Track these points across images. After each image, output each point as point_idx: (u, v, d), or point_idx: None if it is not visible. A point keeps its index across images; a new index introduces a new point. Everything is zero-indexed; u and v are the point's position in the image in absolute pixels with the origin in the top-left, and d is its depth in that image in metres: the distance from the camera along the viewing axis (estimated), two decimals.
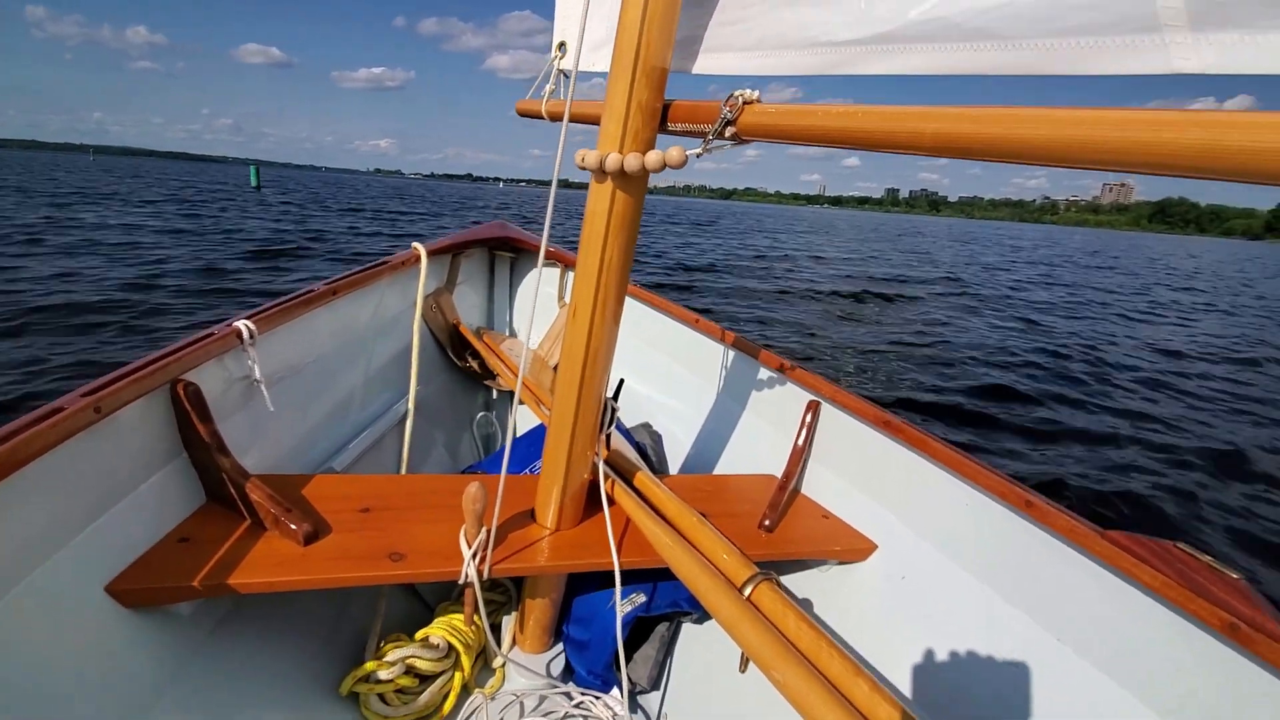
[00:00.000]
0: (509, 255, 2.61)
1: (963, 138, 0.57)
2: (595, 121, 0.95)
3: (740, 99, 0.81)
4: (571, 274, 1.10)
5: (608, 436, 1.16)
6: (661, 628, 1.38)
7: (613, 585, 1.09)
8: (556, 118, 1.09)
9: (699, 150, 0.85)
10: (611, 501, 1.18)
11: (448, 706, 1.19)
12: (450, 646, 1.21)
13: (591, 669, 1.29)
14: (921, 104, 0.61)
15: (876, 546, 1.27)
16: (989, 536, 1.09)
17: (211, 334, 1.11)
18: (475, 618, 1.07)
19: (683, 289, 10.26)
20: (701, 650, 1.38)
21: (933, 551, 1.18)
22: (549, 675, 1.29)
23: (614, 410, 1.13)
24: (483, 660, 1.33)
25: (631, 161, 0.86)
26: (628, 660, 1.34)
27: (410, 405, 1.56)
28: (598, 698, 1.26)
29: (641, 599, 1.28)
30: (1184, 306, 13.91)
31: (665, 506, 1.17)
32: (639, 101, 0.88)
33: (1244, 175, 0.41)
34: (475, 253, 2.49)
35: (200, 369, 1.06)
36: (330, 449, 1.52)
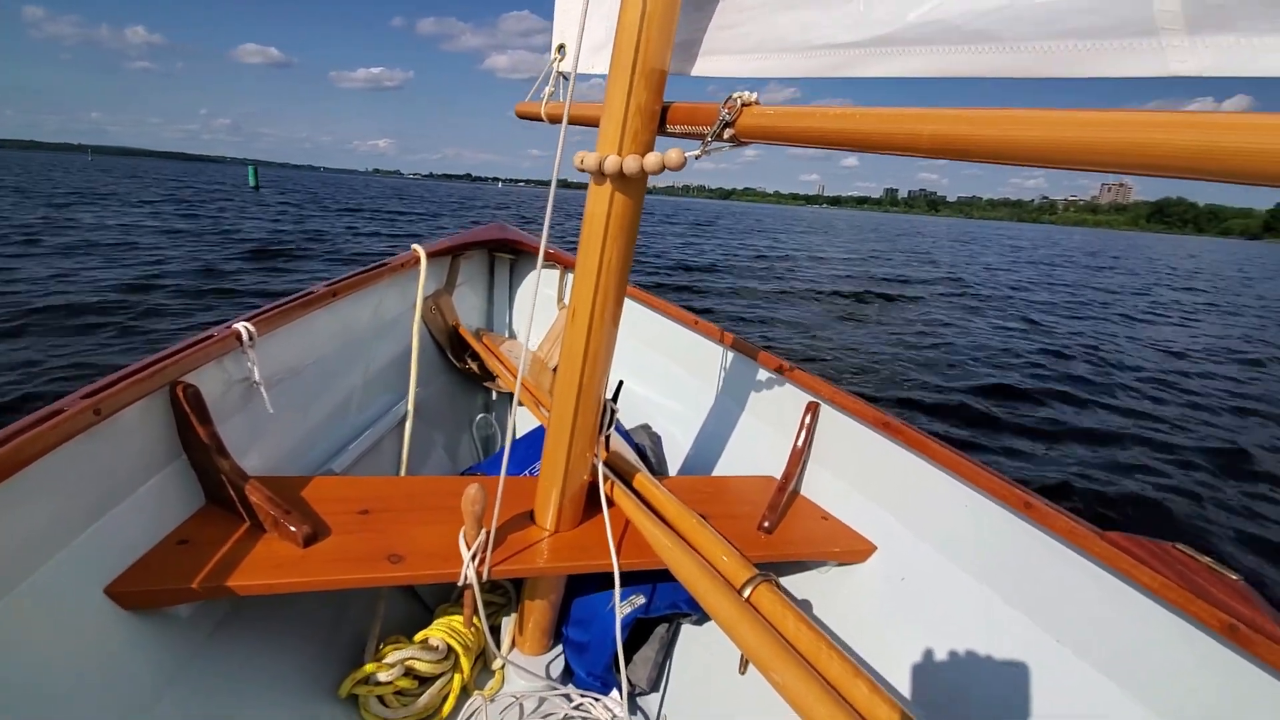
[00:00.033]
0: (508, 257, 2.61)
1: (960, 139, 0.57)
2: (594, 124, 0.95)
3: (739, 101, 0.81)
4: (571, 275, 1.10)
5: (607, 438, 1.16)
6: (661, 629, 1.37)
7: (612, 587, 1.09)
8: (556, 120, 1.09)
9: (698, 152, 0.85)
10: (611, 503, 1.18)
11: (447, 708, 1.19)
12: (449, 648, 1.21)
13: (591, 671, 1.28)
14: (919, 106, 0.61)
15: (876, 548, 1.27)
16: (988, 538, 1.09)
17: (211, 336, 1.11)
18: (475, 619, 1.07)
19: (684, 289, 10.27)
20: (701, 652, 1.38)
21: (932, 553, 1.18)
22: (548, 677, 1.28)
23: (613, 412, 1.13)
24: (482, 662, 1.33)
25: (630, 164, 0.86)
26: (627, 662, 1.34)
27: (410, 407, 1.56)
28: (597, 699, 1.26)
29: (641, 600, 1.28)
30: (1185, 306, 13.92)
31: (664, 508, 1.17)
32: (638, 103, 0.88)
33: (1240, 177, 0.41)
34: (474, 254, 2.49)
35: (200, 371, 1.06)
36: (330, 451, 1.52)
